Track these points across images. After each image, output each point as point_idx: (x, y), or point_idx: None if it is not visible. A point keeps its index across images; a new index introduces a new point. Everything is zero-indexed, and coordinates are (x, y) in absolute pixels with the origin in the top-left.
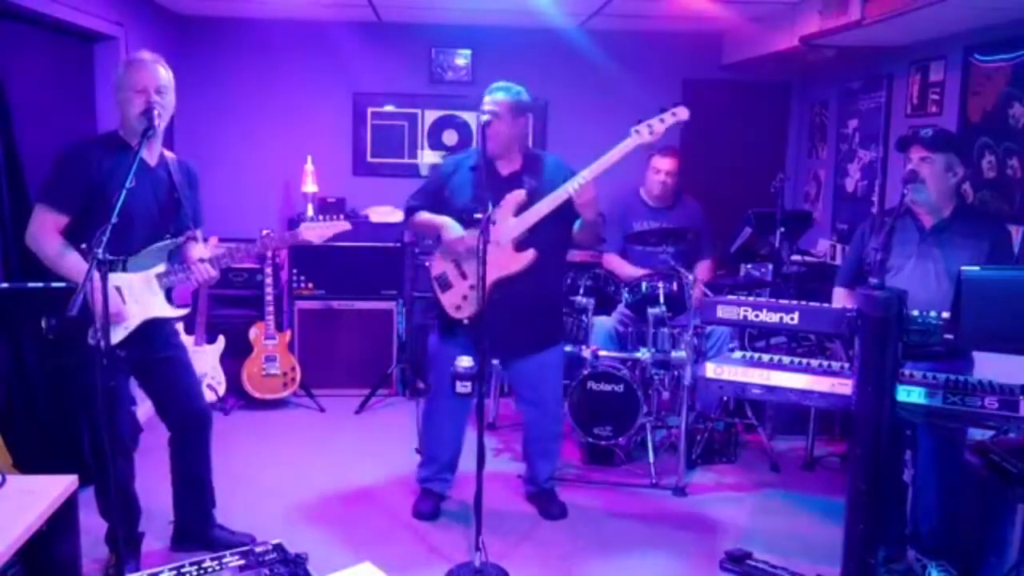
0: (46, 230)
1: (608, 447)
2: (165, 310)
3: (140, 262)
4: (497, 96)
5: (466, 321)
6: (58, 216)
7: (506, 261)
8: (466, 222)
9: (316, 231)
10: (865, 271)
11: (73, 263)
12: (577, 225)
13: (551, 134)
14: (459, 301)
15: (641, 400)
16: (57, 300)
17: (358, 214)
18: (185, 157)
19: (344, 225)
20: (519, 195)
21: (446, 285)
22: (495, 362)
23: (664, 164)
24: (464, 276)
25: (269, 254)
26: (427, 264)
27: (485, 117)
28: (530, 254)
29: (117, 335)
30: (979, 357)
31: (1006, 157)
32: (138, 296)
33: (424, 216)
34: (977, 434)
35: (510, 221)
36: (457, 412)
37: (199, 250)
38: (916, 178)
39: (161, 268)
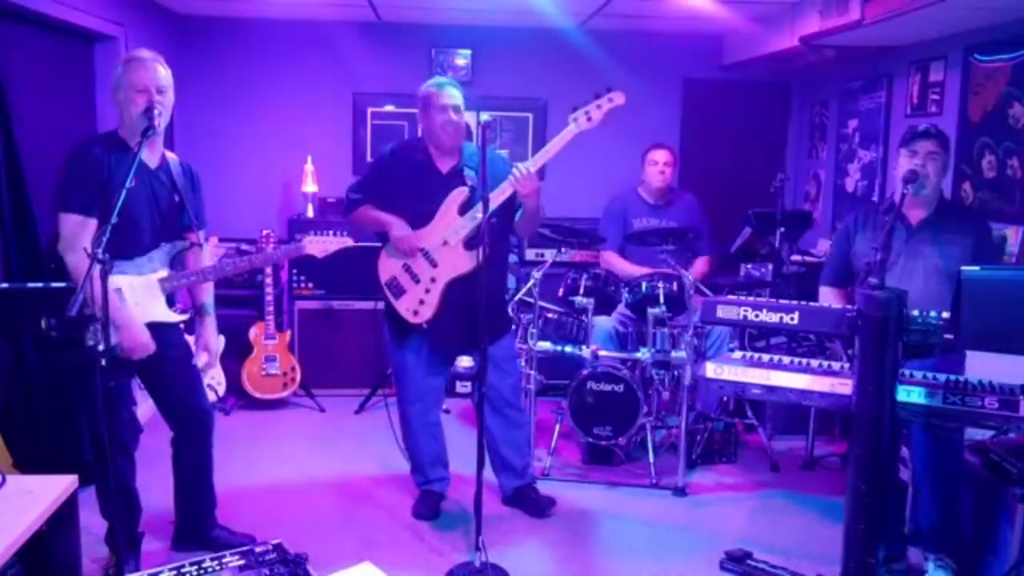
0: (79, 237)
1: (608, 447)
2: (167, 315)
3: (142, 265)
4: (456, 91)
5: (424, 325)
6: (86, 220)
7: (458, 261)
8: (413, 219)
9: (319, 245)
10: (865, 271)
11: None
12: (518, 215)
13: (551, 134)
14: (415, 306)
15: (641, 400)
16: (57, 300)
17: None
18: (185, 157)
19: (347, 241)
20: (462, 193)
21: (399, 291)
22: (469, 360)
23: (660, 156)
24: (417, 280)
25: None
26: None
27: (486, 116)
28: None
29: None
30: (972, 354)
31: (1006, 157)
32: (139, 299)
33: (370, 212)
34: (977, 434)
35: (457, 220)
36: (431, 412)
37: (203, 256)
38: (917, 177)
39: (164, 273)
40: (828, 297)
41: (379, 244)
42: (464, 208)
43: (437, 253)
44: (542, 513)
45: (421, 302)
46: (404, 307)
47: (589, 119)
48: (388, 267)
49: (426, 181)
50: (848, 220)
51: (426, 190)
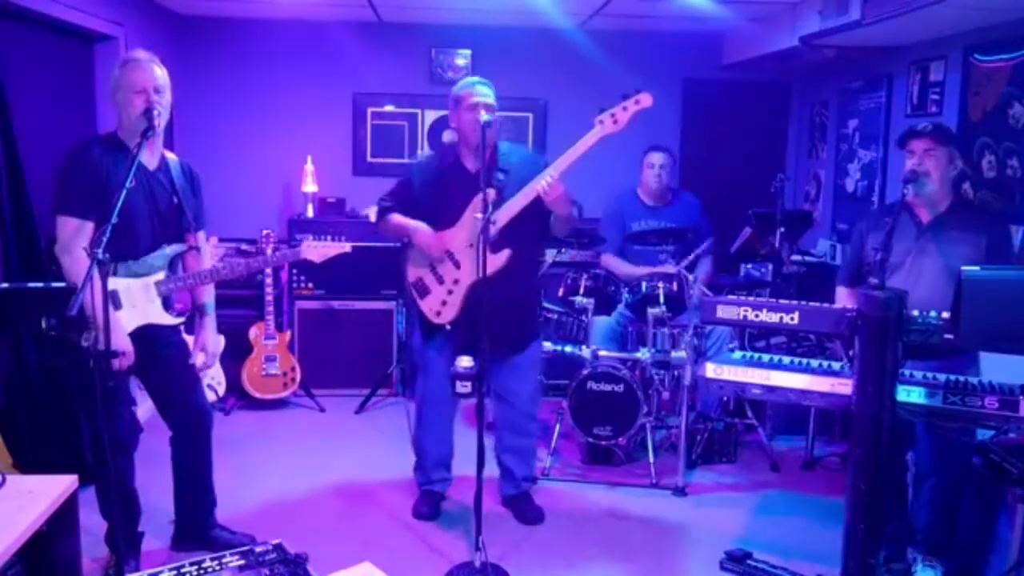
0: (75, 240)
1: (608, 447)
2: (162, 317)
3: (140, 267)
4: (486, 89)
5: (448, 326)
6: (83, 223)
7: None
8: (437, 223)
9: (317, 250)
10: (865, 270)
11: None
12: (552, 219)
13: (551, 134)
14: (438, 307)
15: (641, 400)
16: (57, 300)
17: (358, 214)
18: (185, 157)
19: (345, 247)
20: (489, 194)
21: (424, 291)
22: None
23: (656, 159)
24: (441, 280)
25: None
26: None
27: (486, 117)
28: (505, 254)
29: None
30: (986, 356)
31: (1006, 157)
32: (136, 301)
33: (397, 218)
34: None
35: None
36: (445, 413)
37: (203, 257)
38: (917, 177)
39: (160, 276)
40: (843, 297)
41: (379, 244)
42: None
43: (462, 255)
44: (531, 523)
45: (444, 303)
46: (427, 307)
47: (615, 121)
48: (415, 268)
49: (455, 182)
50: (863, 220)
51: (455, 191)
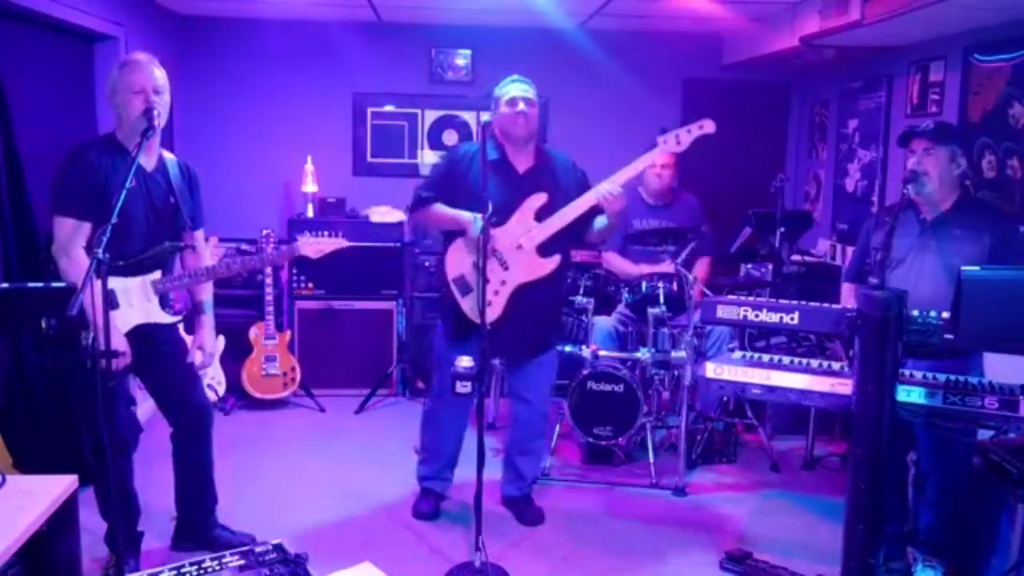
0: (74, 241)
1: (608, 447)
2: (159, 316)
3: (138, 267)
4: (526, 86)
5: (488, 326)
6: (80, 224)
7: (532, 266)
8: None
9: (314, 246)
10: (866, 269)
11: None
12: (598, 225)
13: (551, 134)
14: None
15: (641, 400)
16: (57, 300)
17: (358, 214)
18: (185, 157)
19: (341, 243)
20: (540, 198)
21: (466, 289)
22: (496, 362)
23: (659, 158)
24: (486, 280)
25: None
26: (426, 264)
27: (486, 117)
28: (556, 259)
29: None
30: (989, 357)
31: (1006, 157)
32: (133, 300)
33: (443, 209)
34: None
35: (533, 225)
36: (460, 412)
37: (203, 256)
38: (916, 177)
39: (156, 275)
40: (849, 293)
41: (379, 244)
42: (542, 214)
43: (509, 256)
44: (531, 524)
45: (488, 303)
46: (469, 306)
47: (679, 143)
48: (458, 264)
49: (502, 180)
50: (870, 218)
51: (501, 189)
